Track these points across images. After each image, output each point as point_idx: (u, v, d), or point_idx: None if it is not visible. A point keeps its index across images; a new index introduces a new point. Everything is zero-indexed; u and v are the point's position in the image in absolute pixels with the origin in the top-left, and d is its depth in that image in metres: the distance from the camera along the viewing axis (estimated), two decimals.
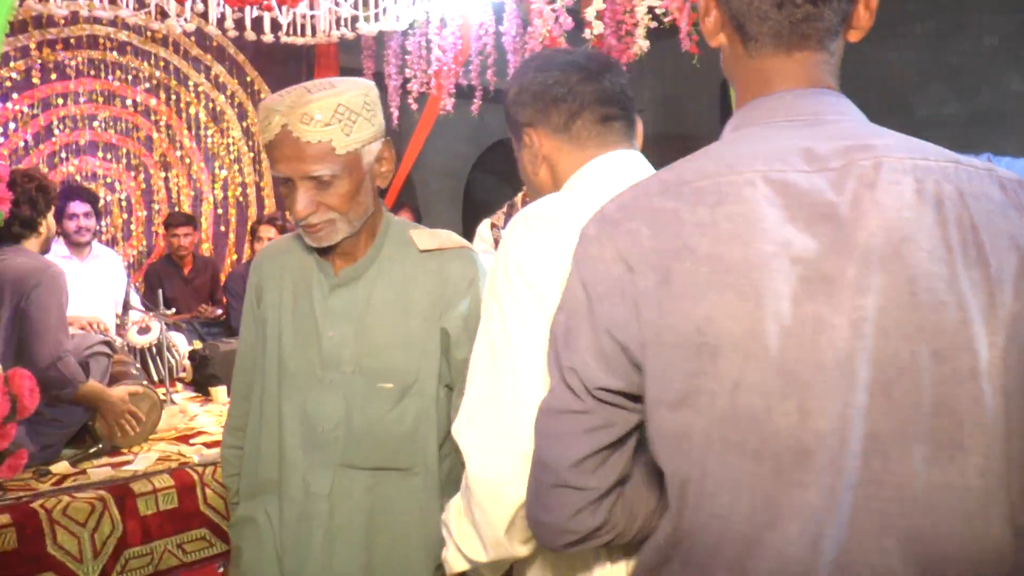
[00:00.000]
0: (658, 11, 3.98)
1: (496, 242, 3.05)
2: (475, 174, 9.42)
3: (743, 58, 1.07)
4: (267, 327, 1.84)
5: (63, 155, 5.89)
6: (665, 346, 0.98)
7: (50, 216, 3.07)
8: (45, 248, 3.12)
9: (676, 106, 9.45)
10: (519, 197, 3.13)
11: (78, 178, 5.89)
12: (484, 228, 3.08)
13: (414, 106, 5.80)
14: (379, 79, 6.23)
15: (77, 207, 4.57)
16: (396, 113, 6.00)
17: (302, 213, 1.66)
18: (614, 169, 1.42)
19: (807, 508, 0.95)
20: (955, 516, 0.94)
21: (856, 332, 0.93)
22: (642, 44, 4.12)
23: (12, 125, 5.67)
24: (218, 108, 6.60)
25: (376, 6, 5.30)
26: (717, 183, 0.99)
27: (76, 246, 4.63)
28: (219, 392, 3.79)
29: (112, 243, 6.07)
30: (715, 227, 0.97)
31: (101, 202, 5.30)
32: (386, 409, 1.74)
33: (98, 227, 5.14)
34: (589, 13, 4.00)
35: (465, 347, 1.69)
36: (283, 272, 1.86)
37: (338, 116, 1.63)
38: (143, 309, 4.48)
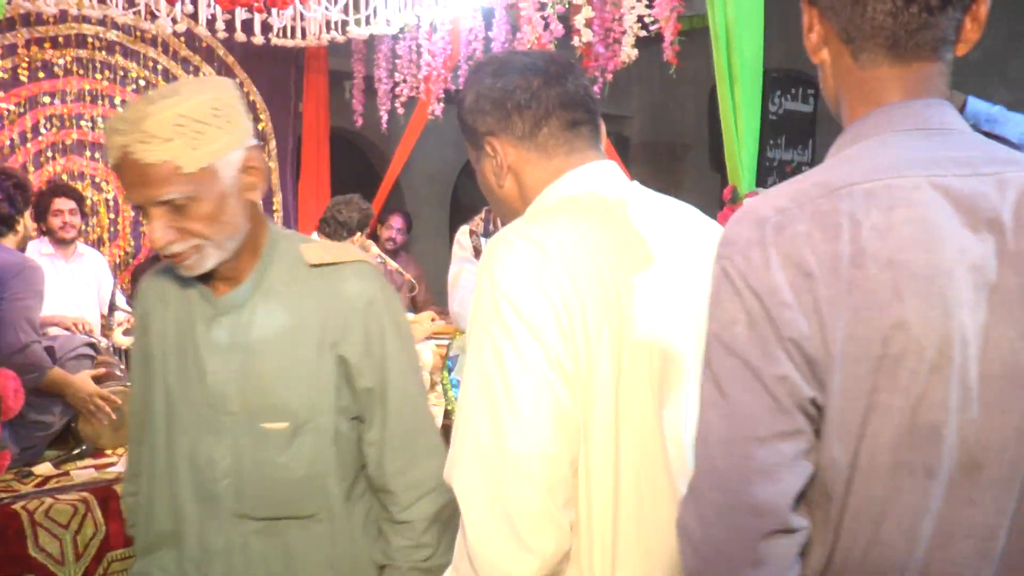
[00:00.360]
0: (647, 19, 4.00)
1: (476, 250, 3.04)
2: (463, 179, 9.42)
3: (854, 71, 1.04)
4: (154, 362, 1.64)
5: (49, 154, 5.87)
6: (848, 360, 0.92)
7: (27, 216, 3.07)
8: (22, 247, 3.13)
9: (664, 114, 9.48)
10: None
11: (65, 177, 5.86)
12: (463, 235, 3.07)
13: (402, 111, 5.81)
14: (369, 83, 6.26)
15: (62, 203, 4.57)
16: (385, 117, 6.01)
17: (160, 243, 1.46)
18: (595, 184, 1.32)
19: (978, 527, 0.94)
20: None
21: (964, 347, 0.92)
22: (630, 52, 4.15)
23: None
24: None
25: (367, 9, 5.31)
26: (887, 185, 0.95)
27: (61, 244, 4.62)
28: None
29: (98, 243, 6.05)
30: (893, 231, 0.93)
31: (88, 202, 5.28)
32: (277, 452, 1.54)
33: (84, 226, 5.13)
34: (578, 21, 4.02)
35: (369, 375, 1.56)
36: (167, 299, 1.65)
37: (179, 130, 1.40)
38: (129, 310, 4.47)
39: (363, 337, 1.57)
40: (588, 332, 1.17)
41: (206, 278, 1.58)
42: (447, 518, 1.60)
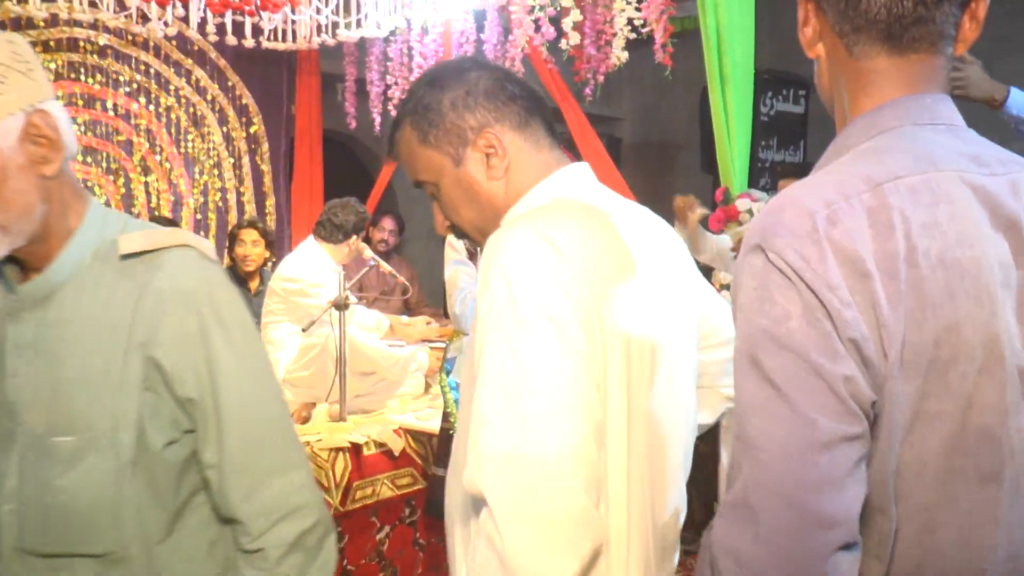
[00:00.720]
0: (636, 22, 4.02)
1: (469, 252, 3.03)
2: None
3: (849, 63, 1.03)
4: None
5: None
6: (900, 364, 0.89)
7: None
8: None
9: (655, 115, 9.49)
10: None
11: None
12: (454, 237, 3.08)
13: (395, 113, 5.81)
14: (361, 85, 6.27)
15: None
16: (378, 119, 6.02)
17: None
18: (586, 185, 1.35)
19: None
20: None
21: (1017, 346, 0.92)
22: (620, 55, 4.16)
23: None
24: (199, 113, 6.58)
25: (357, 12, 5.32)
26: (928, 180, 0.93)
27: None
28: None
29: None
30: (940, 228, 0.91)
31: None
32: (58, 473, 1.27)
33: None
34: (567, 24, 4.04)
35: (191, 383, 1.30)
36: None
37: None
38: None
39: (178, 336, 1.29)
40: (603, 328, 1.17)
41: (14, 267, 1.36)
42: (312, 545, 1.35)
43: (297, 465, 1.37)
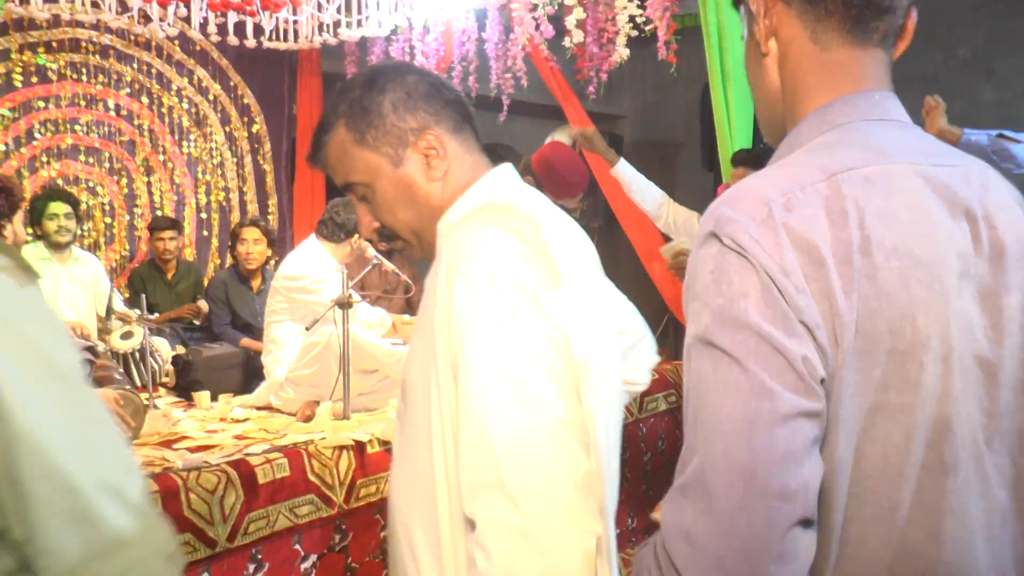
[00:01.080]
0: (639, 20, 4.03)
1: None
2: None
3: (814, 54, 1.03)
4: None
5: (44, 159, 5.87)
6: (857, 355, 0.89)
7: (17, 222, 3.05)
8: None
9: (656, 113, 9.49)
10: None
11: (60, 182, 5.87)
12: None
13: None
14: None
15: (58, 207, 4.60)
16: None
17: None
18: (515, 187, 1.39)
19: (986, 514, 0.95)
20: None
21: (1000, 331, 0.95)
22: (623, 52, 4.17)
23: None
24: (201, 112, 6.59)
25: (359, 12, 5.32)
26: (883, 171, 0.95)
27: (56, 248, 4.64)
28: (202, 397, 3.79)
29: (94, 248, 6.06)
30: (895, 217, 0.92)
31: (83, 206, 5.30)
32: None
33: (79, 230, 5.14)
34: (570, 22, 4.05)
35: None
36: None
37: None
38: (127, 310, 4.49)
39: None
40: (576, 315, 1.21)
41: None
42: None
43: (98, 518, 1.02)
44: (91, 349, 3.16)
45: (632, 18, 4.03)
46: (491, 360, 1.14)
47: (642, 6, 3.97)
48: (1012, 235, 0.97)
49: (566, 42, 4.22)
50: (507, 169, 1.42)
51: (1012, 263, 0.96)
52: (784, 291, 0.87)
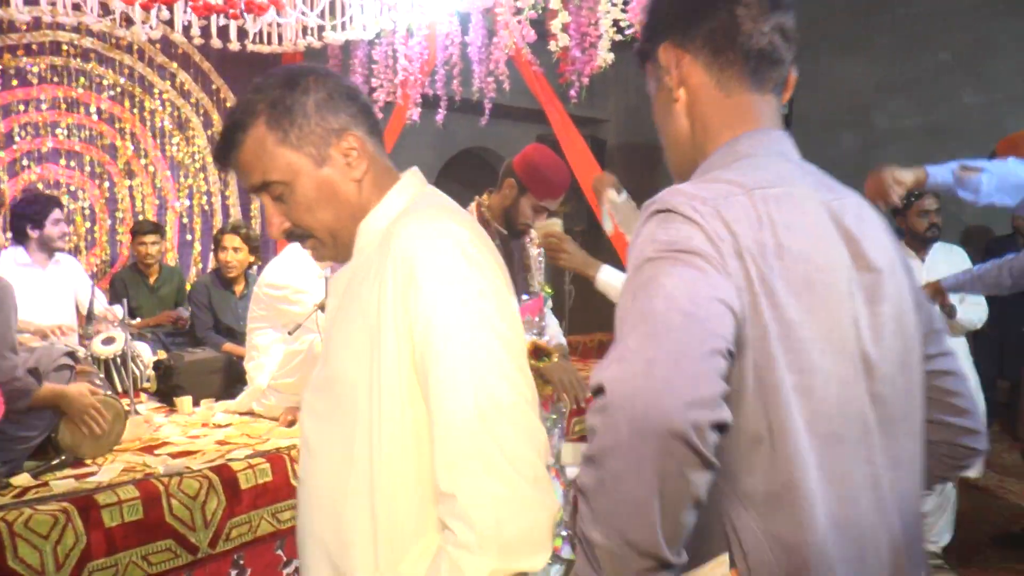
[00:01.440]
0: (623, 24, 4.03)
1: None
2: (440, 182, 9.42)
3: (719, 99, 1.23)
4: None
5: (24, 163, 5.83)
6: (770, 338, 1.06)
7: None
8: None
9: (640, 117, 9.51)
10: (473, 207, 3.13)
11: (40, 186, 5.83)
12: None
13: (380, 115, 5.81)
14: None
15: (59, 213, 4.65)
16: None
17: None
18: (426, 188, 1.47)
19: (871, 478, 1.14)
20: (917, 482, 1.23)
21: (878, 333, 1.16)
22: (606, 56, 4.17)
23: None
24: (183, 116, 6.56)
25: (343, 15, 5.31)
26: (789, 192, 1.14)
27: (48, 253, 4.66)
28: (184, 402, 3.77)
29: (75, 252, 6.01)
30: (800, 230, 1.11)
31: (64, 210, 5.27)
32: None
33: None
34: (554, 25, 4.04)
35: None
36: None
37: None
38: (111, 308, 4.46)
39: None
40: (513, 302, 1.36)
41: None
42: None
43: None
44: (72, 354, 3.13)
45: (616, 22, 4.04)
46: (465, 341, 1.22)
47: (625, 10, 3.97)
48: (883, 257, 1.19)
49: (552, 46, 4.23)
50: (417, 171, 1.49)
51: (884, 279, 1.18)
52: (720, 249, 1.05)
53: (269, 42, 5.75)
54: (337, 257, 1.46)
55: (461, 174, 9.37)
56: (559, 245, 2.88)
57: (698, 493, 0.96)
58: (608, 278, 2.75)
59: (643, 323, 1.00)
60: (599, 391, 0.98)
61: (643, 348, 0.98)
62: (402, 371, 1.27)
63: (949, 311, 4.05)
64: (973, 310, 4.19)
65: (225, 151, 1.40)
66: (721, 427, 0.96)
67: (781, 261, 1.08)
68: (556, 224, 2.89)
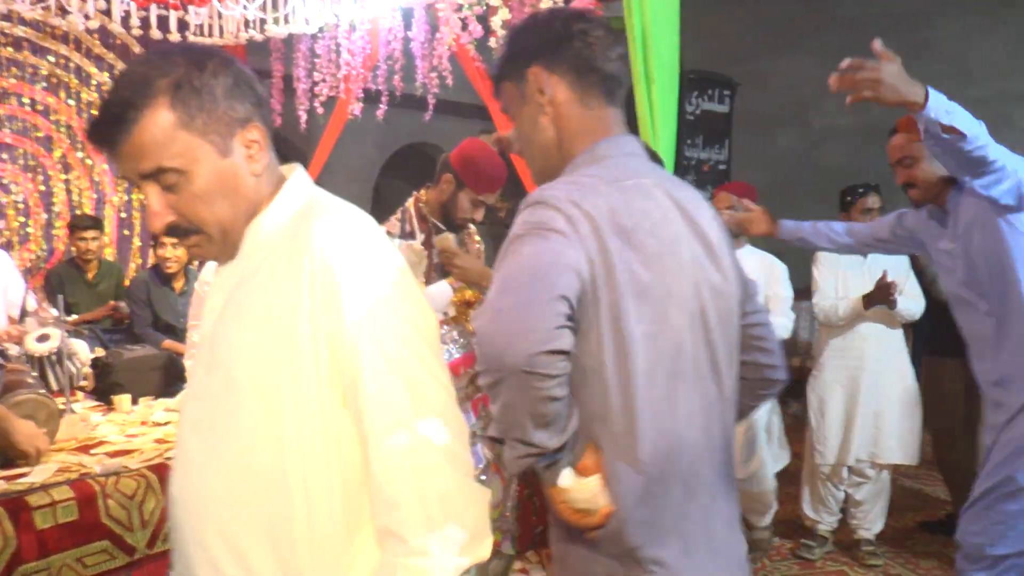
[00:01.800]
0: None
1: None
2: (383, 178, 9.39)
3: (581, 113, 1.55)
4: None
5: None
6: (633, 295, 1.40)
7: None
8: None
9: None
10: (410, 203, 3.13)
11: None
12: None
13: (322, 110, 5.77)
14: (288, 82, 6.19)
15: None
16: (304, 116, 5.96)
17: None
18: (312, 188, 1.40)
19: (704, 408, 1.49)
20: (734, 413, 1.61)
21: (713, 297, 1.51)
22: None
23: None
24: None
25: (285, 8, 5.26)
26: (639, 184, 1.48)
27: None
28: (122, 400, 3.71)
29: (8, 247, 5.88)
30: (652, 213, 1.45)
31: None
32: None
33: None
34: (495, 22, 4.05)
35: None
36: None
37: None
38: (41, 308, 4.37)
39: None
40: None
41: None
42: None
43: None
44: (2, 353, 3.07)
45: None
46: (394, 351, 1.22)
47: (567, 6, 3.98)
48: (715, 236, 1.55)
49: (492, 42, 4.23)
50: (303, 169, 1.42)
51: (716, 251, 1.53)
52: (577, 228, 1.37)
53: (210, 34, 5.67)
54: (221, 256, 1.37)
55: (404, 169, 9.34)
56: (451, 260, 2.90)
57: (553, 395, 1.32)
58: None
59: (500, 282, 1.35)
60: (474, 332, 1.33)
61: (497, 301, 1.33)
62: (322, 378, 1.22)
63: (891, 304, 4.15)
64: (913, 302, 4.30)
65: (112, 131, 1.25)
66: (563, 353, 1.32)
67: (636, 236, 1.41)
68: (448, 239, 2.92)
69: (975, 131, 2.32)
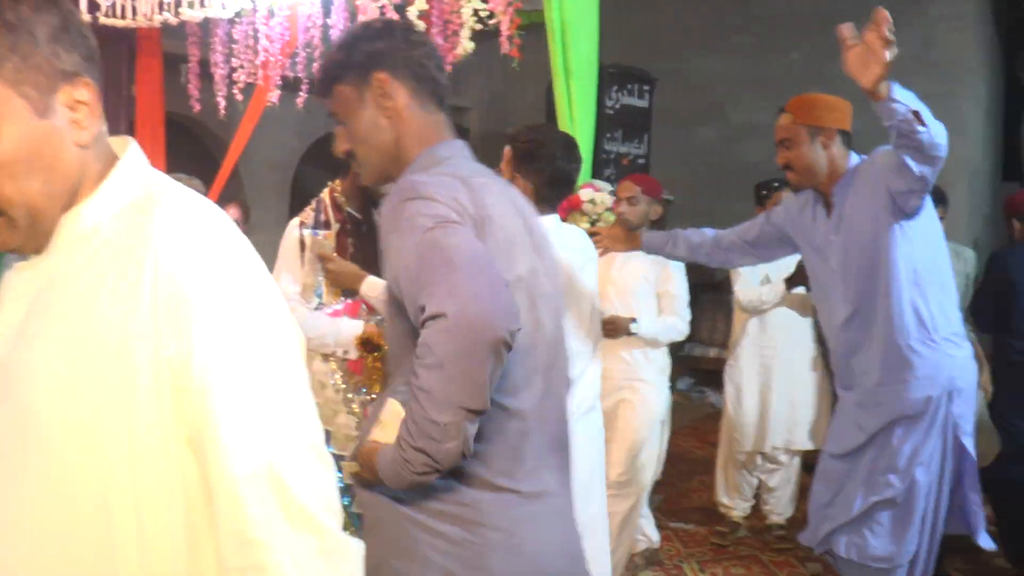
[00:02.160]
0: (482, 13, 4.05)
1: (300, 242, 2.97)
2: (303, 167, 9.28)
3: (420, 116, 1.68)
4: None
5: None
6: None
7: None
8: None
9: (502, 105, 9.62)
10: (326, 193, 3.10)
11: None
12: (293, 227, 3.03)
13: (241, 97, 5.67)
14: (205, 67, 6.06)
15: None
16: (223, 103, 5.85)
17: None
18: (156, 176, 1.20)
19: (547, 379, 1.66)
20: (567, 387, 1.84)
21: (545, 277, 1.67)
22: (467, 45, 4.19)
23: None
24: None
25: None
26: (484, 182, 1.63)
27: None
28: None
29: None
30: (497, 207, 1.60)
31: None
32: None
33: None
34: (411, 13, 4.03)
35: None
36: None
37: None
38: None
39: None
40: None
41: None
42: None
43: None
44: None
45: (476, 11, 4.05)
46: (251, 384, 1.03)
47: (485, 0, 4.00)
48: (541, 230, 1.73)
49: None
50: (137, 145, 1.19)
51: (541, 243, 1.71)
52: (463, 218, 1.49)
53: (123, 16, 5.51)
54: (25, 248, 1.08)
55: (323, 159, 9.25)
56: (325, 264, 2.90)
57: (502, 364, 1.43)
58: (368, 291, 2.82)
59: (455, 271, 1.39)
60: (439, 316, 1.36)
61: (468, 285, 1.38)
62: (164, 413, 1.00)
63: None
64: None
65: None
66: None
67: (493, 225, 1.55)
68: (324, 245, 2.92)
69: (936, 127, 2.43)
